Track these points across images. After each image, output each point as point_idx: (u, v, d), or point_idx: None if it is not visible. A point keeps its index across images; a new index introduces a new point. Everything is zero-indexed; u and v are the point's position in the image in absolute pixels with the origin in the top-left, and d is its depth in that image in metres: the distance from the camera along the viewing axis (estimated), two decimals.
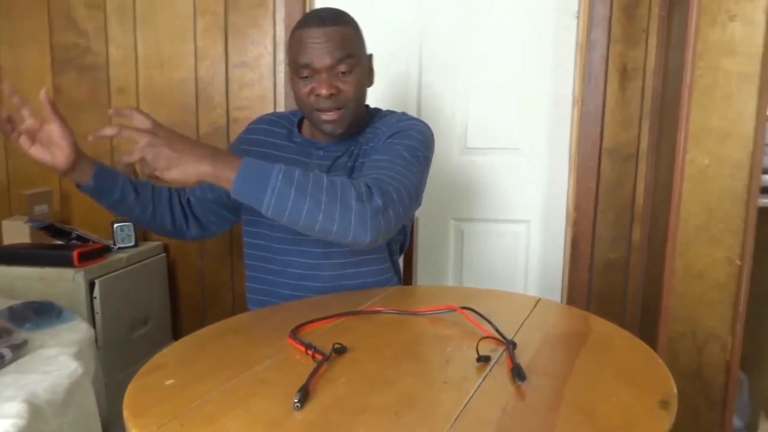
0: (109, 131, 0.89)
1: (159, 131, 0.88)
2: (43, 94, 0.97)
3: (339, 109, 1.13)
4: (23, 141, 0.99)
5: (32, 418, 0.71)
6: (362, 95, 1.18)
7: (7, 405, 0.71)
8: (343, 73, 1.11)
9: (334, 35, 1.09)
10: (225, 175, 0.89)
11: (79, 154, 1.03)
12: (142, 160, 0.87)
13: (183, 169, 0.87)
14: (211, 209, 1.29)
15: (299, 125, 1.28)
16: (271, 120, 1.30)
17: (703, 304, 1.50)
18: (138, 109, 0.90)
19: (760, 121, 1.42)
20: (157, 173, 0.87)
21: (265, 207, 0.91)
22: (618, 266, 1.81)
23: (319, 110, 1.13)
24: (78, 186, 1.10)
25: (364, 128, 1.23)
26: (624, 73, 1.74)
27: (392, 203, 0.98)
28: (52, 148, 1.00)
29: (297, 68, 1.12)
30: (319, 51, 1.09)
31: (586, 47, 1.72)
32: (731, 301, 1.49)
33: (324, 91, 1.10)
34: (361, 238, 0.95)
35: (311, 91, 1.12)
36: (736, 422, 1.81)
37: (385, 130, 1.17)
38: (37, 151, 1.00)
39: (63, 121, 1.00)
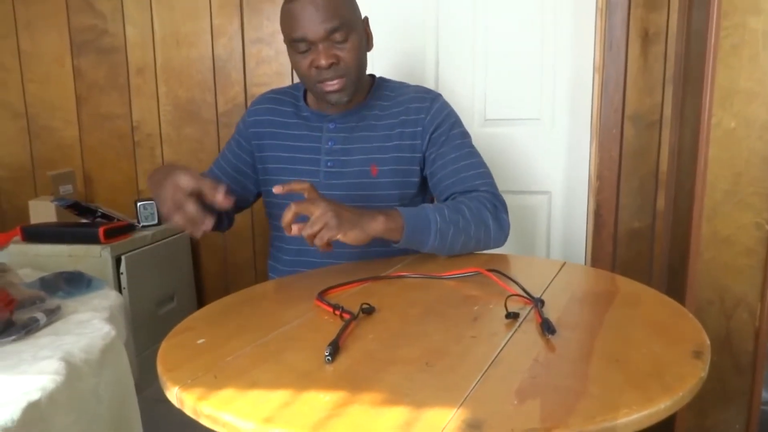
0: (297, 186, 0.96)
1: (328, 201, 0.94)
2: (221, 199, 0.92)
3: (341, 77, 1.10)
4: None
5: (70, 375, 0.73)
6: (363, 60, 1.15)
7: (44, 362, 0.73)
8: (339, 41, 1.09)
9: (323, 4, 1.06)
10: (395, 228, 1.00)
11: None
12: (324, 226, 0.92)
13: (362, 228, 0.95)
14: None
15: (304, 97, 1.25)
16: (273, 98, 1.27)
17: (732, 270, 1.48)
18: (300, 181, 0.97)
19: None
20: (339, 237, 0.93)
21: (429, 248, 1.05)
22: (643, 235, 1.79)
23: (322, 81, 1.11)
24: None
25: (373, 95, 1.21)
26: (646, 38, 1.70)
27: (504, 203, 1.17)
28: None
29: (293, 43, 1.10)
30: (312, 22, 1.06)
31: (606, 12, 1.69)
32: (760, 266, 1.46)
33: (323, 62, 1.08)
34: (499, 243, 1.14)
35: (311, 64, 1.10)
36: (764, 395, 1.78)
37: (424, 117, 1.17)
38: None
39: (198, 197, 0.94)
